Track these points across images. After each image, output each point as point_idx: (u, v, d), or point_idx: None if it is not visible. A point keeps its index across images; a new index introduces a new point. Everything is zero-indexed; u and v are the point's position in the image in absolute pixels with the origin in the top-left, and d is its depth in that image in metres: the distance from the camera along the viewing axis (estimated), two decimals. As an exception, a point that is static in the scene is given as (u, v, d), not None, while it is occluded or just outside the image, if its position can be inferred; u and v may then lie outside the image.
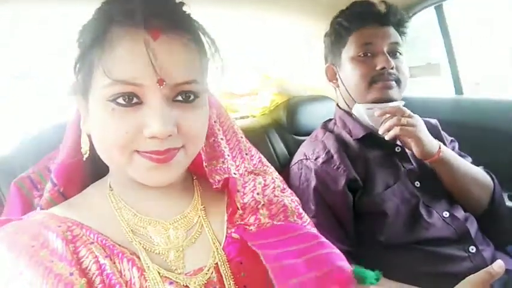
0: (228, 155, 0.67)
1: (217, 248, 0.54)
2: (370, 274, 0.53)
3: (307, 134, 1.17)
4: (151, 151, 0.49)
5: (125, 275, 0.47)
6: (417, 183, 0.99)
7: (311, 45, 1.49)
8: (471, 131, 1.32)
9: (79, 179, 0.60)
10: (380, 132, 0.96)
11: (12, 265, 0.43)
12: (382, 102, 0.98)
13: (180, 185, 0.59)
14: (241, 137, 0.71)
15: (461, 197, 0.99)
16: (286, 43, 1.63)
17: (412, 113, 0.95)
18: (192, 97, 0.51)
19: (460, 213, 0.97)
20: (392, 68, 0.98)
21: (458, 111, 1.45)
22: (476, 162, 1.05)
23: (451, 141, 1.12)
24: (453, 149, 1.06)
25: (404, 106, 0.98)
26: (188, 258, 0.53)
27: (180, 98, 0.50)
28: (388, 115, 0.95)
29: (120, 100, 0.47)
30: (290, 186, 0.82)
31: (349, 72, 1.03)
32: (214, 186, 0.61)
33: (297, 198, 0.67)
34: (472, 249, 0.92)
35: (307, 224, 0.63)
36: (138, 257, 0.50)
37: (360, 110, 1.02)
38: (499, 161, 1.12)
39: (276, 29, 1.55)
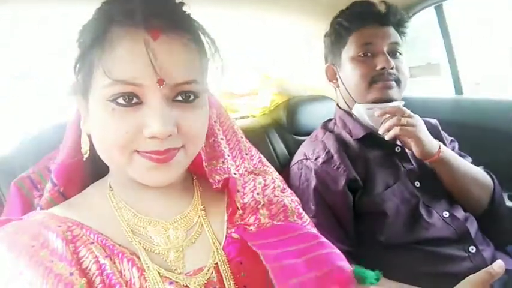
0: (228, 155, 0.67)
1: (217, 248, 0.54)
2: (370, 274, 0.53)
3: (307, 134, 1.17)
4: (151, 151, 0.49)
5: (124, 275, 0.47)
6: (417, 183, 0.99)
7: (311, 45, 1.49)
8: (471, 131, 1.32)
9: (79, 179, 0.60)
10: (380, 132, 0.96)
11: (12, 265, 0.43)
12: (382, 102, 0.98)
13: (180, 185, 0.59)
14: (241, 137, 0.71)
15: (461, 197, 0.99)
16: (286, 43, 1.63)
17: (412, 113, 0.95)
18: (192, 97, 0.51)
19: (460, 213, 0.97)
20: (392, 68, 0.98)
21: (458, 111, 1.45)
22: (476, 162, 1.05)
23: (451, 141, 1.12)
24: (453, 149, 1.06)
25: (404, 106, 0.98)
26: (188, 258, 0.53)
27: (180, 98, 0.50)
28: (388, 115, 0.95)
29: (120, 100, 0.47)
30: (290, 186, 0.82)
31: (349, 72, 1.03)
32: (214, 186, 0.61)
33: (297, 198, 0.67)
34: (472, 249, 0.92)
35: (307, 224, 0.63)
36: (138, 257, 0.50)
37: (360, 110, 1.02)
38: (499, 161, 1.12)
39: (276, 29, 1.55)
